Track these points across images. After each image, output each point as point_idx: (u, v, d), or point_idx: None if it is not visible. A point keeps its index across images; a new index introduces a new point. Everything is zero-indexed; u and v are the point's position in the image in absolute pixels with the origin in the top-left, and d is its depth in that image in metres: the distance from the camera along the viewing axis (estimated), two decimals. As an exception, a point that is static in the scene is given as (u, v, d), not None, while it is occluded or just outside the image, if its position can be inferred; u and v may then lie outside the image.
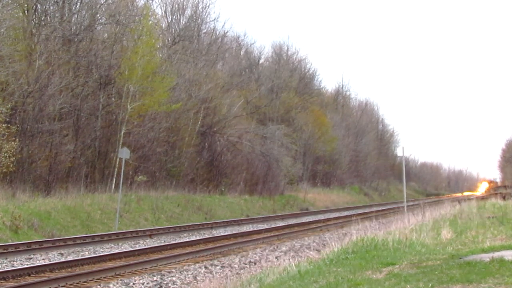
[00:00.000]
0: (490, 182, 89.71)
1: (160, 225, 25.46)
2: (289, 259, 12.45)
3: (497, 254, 9.56)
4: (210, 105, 39.96)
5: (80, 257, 14.78)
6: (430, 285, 7.51)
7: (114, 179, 29.57)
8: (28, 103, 25.85)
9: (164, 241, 19.86)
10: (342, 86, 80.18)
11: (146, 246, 17.73)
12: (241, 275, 11.92)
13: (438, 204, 31.49)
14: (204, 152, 39.76)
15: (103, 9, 33.17)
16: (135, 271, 13.33)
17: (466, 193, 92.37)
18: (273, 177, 44.96)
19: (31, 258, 14.99)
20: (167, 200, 30.55)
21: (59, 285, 11.34)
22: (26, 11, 28.09)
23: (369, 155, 78.04)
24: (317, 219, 31.82)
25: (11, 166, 22.57)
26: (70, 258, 15.09)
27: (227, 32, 52.30)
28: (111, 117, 31.86)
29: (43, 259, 14.96)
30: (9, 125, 23.13)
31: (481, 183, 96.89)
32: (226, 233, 22.67)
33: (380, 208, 42.76)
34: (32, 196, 23.14)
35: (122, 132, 30.48)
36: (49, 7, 30.94)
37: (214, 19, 55.20)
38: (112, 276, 12.63)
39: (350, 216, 27.30)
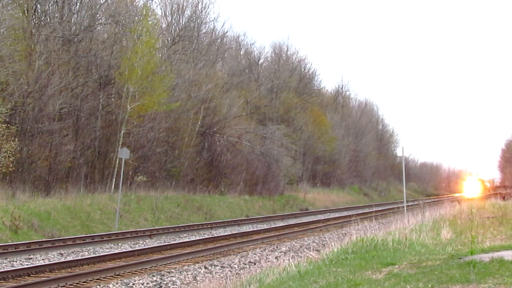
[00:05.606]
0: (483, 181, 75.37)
1: (160, 225, 25.46)
2: (288, 259, 12.46)
3: (496, 254, 9.56)
4: (210, 105, 39.97)
5: (80, 257, 14.79)
6: (429, 285, 7.52)
7: (114, 179, 29.57)
8: (28, 103, 25.85)
9: (164, 241, 19.87)
10: (342, 86, 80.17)
11: (146, 246, 17.74)
12: (241, 275, 11.93)
13: (437, 204, 31.55)
14: (204, 152, 39.77)
15: (103, 9, 33.18)
16: (135, 271, 13.34)
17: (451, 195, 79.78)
18: (273, 177, 44.95)
19: (31, 258, 15.00)
20: (167, 200, 30.55)
21: (59, 285, 11.35)
22: (26, 12, 28.09)
23: (369, 155, 77.99)
24: (316, 219, 31.81)
25: (11, 166, 22.58)
26: (70, 258, 15.10)
27: (226, 32, 52.36)
28: (111, 117, 31.87)
29: (42, 259, 14.97)
30: (9, 125, 23.12)
31: (469, 182, 75.04)
32: (225, 233, 22.67)
33: (380, 208, 42.72)
34: (32, 196, 23.13)
35: (122, 132, 30.48)
36: (49, 8, 30.96)
37: (214, 19, 55.27)
38: (112, 276, 12.63)
39: (350, 216, 27.25)
